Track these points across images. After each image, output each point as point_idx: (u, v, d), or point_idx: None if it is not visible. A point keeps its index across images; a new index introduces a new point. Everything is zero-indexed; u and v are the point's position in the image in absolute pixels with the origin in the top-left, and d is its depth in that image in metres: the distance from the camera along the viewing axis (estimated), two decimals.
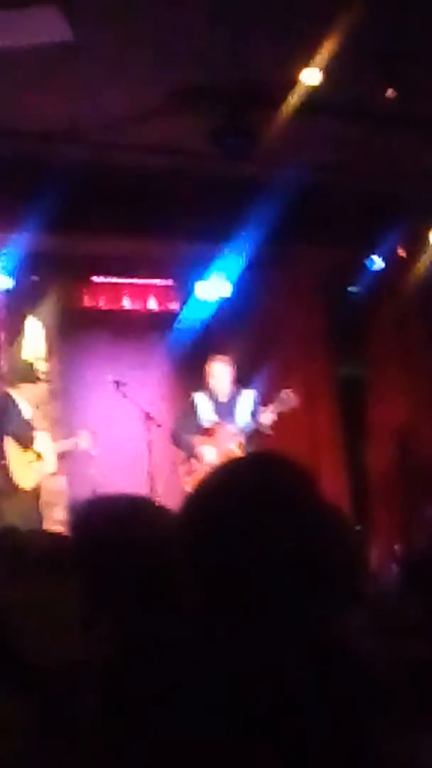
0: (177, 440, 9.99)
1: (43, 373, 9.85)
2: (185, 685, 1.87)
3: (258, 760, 1.80)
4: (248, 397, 10.02)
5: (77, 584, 2.56)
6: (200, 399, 10.01)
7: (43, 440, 9.55)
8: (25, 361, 10.07)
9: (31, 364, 9.95)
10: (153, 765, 1.82)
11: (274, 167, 9.62)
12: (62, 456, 9.72)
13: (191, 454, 9.84)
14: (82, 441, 9.69)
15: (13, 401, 9.54)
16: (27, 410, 9.55)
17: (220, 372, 9.99)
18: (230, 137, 8.94)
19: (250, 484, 2.03)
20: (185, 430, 9.95)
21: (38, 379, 9.73)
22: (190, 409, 10.05)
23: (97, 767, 1.88)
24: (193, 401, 10.04)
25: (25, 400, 9.58)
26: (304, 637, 1.93)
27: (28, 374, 9.75)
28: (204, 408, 9.98)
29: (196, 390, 10.13)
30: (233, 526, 1.96)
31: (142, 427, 9.95)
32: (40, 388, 9.71)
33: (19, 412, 9.50)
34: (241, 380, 10.21)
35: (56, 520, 9.48)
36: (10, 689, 1.92)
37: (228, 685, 1.86)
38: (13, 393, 9.60)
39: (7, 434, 9.35)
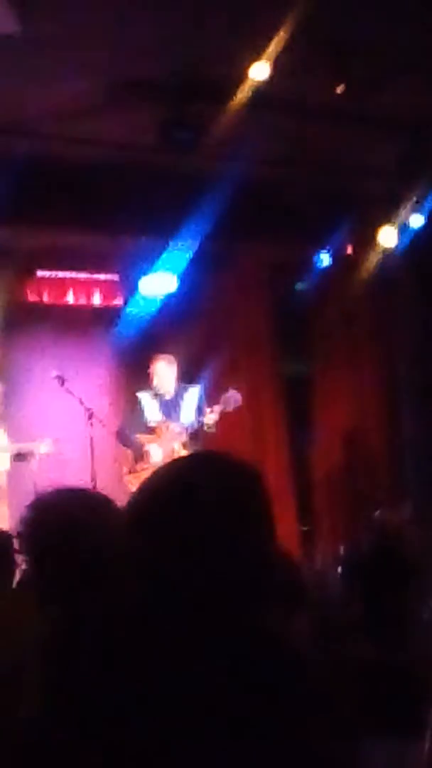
0: (123, 439, 9.93)
1: None
2: (123, 667, 1.90)
3: (195, 751, 1.82)
4: (193, 394, 9.97)
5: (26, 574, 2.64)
6: (145, 398, 9.94)
7: None
8: None
9: None
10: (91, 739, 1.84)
11: (221, 161, 9.57)
12: (17, 458, 9.64)
13: (138, 453, 9.78)
14: (43, 447, 9.61)
15: None
16: None
17: (164, 370, 9.94)
18: (177, 130, 8.89)
19: (188, 485, 2.04)
20: (131, 429, 9.88)
21: None
22: (136, 408, 9.97)
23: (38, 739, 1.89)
24: (138, 400, 9.97)
25: None
26: (240, 635, 1.94)
27: None
28: (149, 407, 9.91)
29: (140, 387, 10.07)
30: (174, 526, 1.98)
31: (84, 423, 9.86)
32: None
33: None
34: (186, 377, 10.15)
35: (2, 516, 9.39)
36: None
37: (164, 675, 1.88)
38: None
39: None
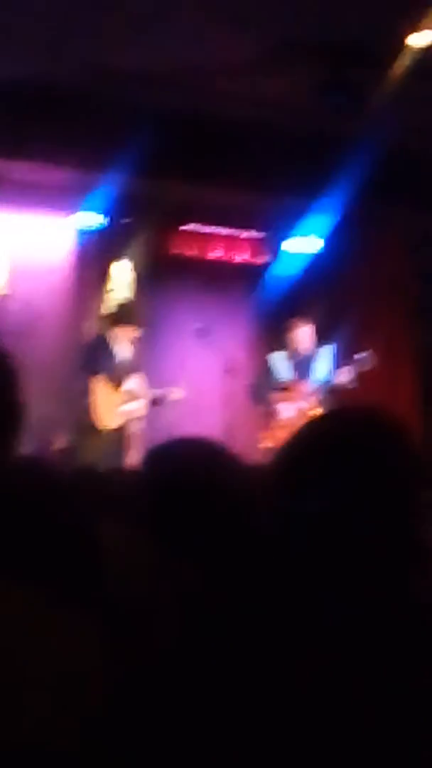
0: (255, 396, 10.02)
1: (133, 315, 9.91)
2: (263, 631, 1.88)
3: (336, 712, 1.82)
4: (327, 353, 10.00)
5: (151, 526, 2.57)
6: (278, 358, 10.01)
7: (136, 383, 9.65)
8: (117, 302, 10.15)
9: (123, 306, 10.04)
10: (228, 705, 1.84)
11: (374, 127, 9.55)
12: (153, 403, 9.80)
13: (268, 410, 9.87)
14: (175, 394, 9.77)
15: (108, 342, 9.64)
16: (122, 352, 9.64)
17: (303, 336, 9.98)
18: (334, 93, 8.89)
19: (346, 439, 2.04)
20: (264, 387, 9.97)
21: (129, 320, 9.78)
22: (268, 367, 10.06)
23: (169, 702, 1.91)
24: (270, 360, 10.05)
25: (121, 342, 9.66)
26: (391, 594, 1.95)
27: (120, 315, 9.83)
28: (281, 366, 9.98)
29: (278, 346, 10.13)
30: (327, 479, 1.97)
31: (221, 378, 9.99)
32: (131, 331, 9.77)
33: (114, 353, 9.59)
34: (322, 336, 10.18)
35: (133, 463, 9.56)
36: (89, 613, 1.97)
37: (310, 636, 1.87)
38: (109, 334, 9.70)
39: (99, 373, 9.46)
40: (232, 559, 2.13)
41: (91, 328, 10.28)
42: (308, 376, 9.90)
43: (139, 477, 2.81)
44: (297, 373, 9.93)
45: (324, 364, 9.94)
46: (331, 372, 9.86)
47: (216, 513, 2.51)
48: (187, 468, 2.64)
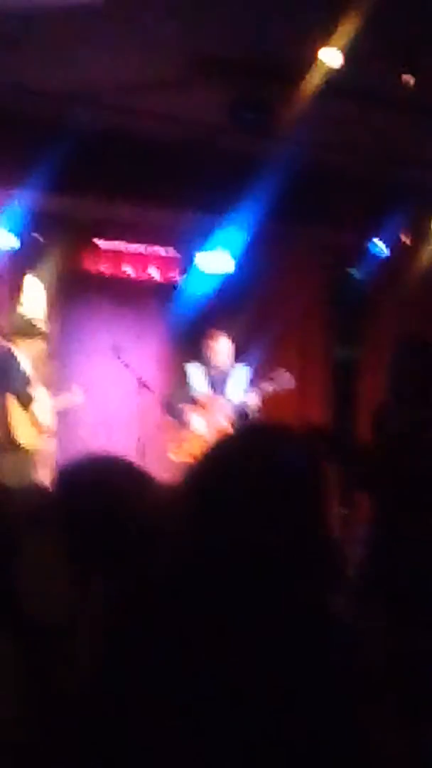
0: (169, 408, 10.04)
1: (42, 331, 9.88)
2: (174, 647, 1.92)
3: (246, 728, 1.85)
4: (242, 373, 10.06)
5: (61, 543, 2.57)
6: (194, 370, 10.06)
7: (41, 397, 9.61)
8: (25, 317, 10.11)
9: (31, 321, 9.99)
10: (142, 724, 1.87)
11: (285, 144, 9.62)
12: (59, 414, 9.78)
13: (181, 422, 9.90)
14: (75, 396, 9.77)
15: (15, 357, 9.59)
16: (27, 367, 9.60)
17: (222, 347, 10.01)
18: (245, 111, 8.92)
19: (253, 461, 2.08)
20: (178, 399, 10.01)
21: (37, 336, 9.76)
22: (184, 379, 10.10)
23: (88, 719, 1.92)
24: (186, 371, 10.09)
25: (26, 357, 9.62)
26: (299, 614, 1.98)
27: (28, 331, 9.79)
28: (197, 379, 10.03)
29: (191, 362, 10.16)
30: (235, 503, 2.02)
31: (134, 393, 10.00)
32: (39, 346, 9.74)
33: (20, 369, 9.55)
34: (236, 355, 10.23)
35: (45, 480, 9.52)
36: (9, 636, 1.97)
37: (218, 656, 1.91)
38: (15, 349, 9.65)
39: (8, 390, 9.41)
40: (143, 578, 2.13)
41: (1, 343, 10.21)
42: (222, 391, 9.94)
43: (50, 496, 2.81)
44: (212, 388, 9.96)
45: (238, 383, 9.99)
46: (243, 391, 9.92)
47: (126, 532, 2.51)
48: (96, 488, 2.63)
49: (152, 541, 2.25)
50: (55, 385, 10.21)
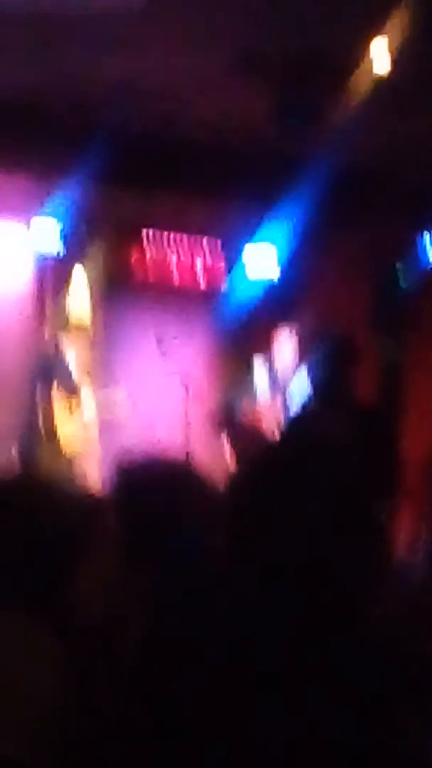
0: (223, 406, 9.86)
1: (87, 324, 9.94)
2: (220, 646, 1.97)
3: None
4: (300, 375, 9.85)
5: (114, 542, 2.59)
6: (256, 368, 9.82)
7: (86, 390, 9.67)
8: (71, 312, 10.17)
9: (79, 315, 10.06)
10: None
11: (329, 145, 9.61)
12: (101, 409, 9.82)
13: (235, 421, 9.69)
14: (119, 395, 9.80)
15: (61, 351, 9.68)
16: (73, 361, 9.67)
17: (285, 343, 9.88)
18: (290, 113, 8.94)
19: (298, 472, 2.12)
20: (234, 397, 9.84)
21: (84, 331, 9.83)
22: (242, 377, 9.94)
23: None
24: (249, 368, 9.86)
25: (72, 351, 9.69)
26: (335, 617, 2.01)
27: (74, 325, 9.85)
28: (258, 377, 9.83)
29: (239, 365, 10.08)
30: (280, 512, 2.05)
31: (179, 387, 9.98)
32: (85, 341, 9.80)
33: (66, 363, 9.62)
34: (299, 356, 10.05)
35: (87, 472, 9.57)
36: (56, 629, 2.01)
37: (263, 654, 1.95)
38: (61, 343, 9.73)
39: (53, 381, 9.48)
40: (194, 578, 2.16)
41: (47, 338, 10.29)
42: (282, 393, 9.68)
43: (103, 493, 2.84)
44: (271, 388, 9.78)
45: (298, 386, 9.74)
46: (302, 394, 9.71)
47: (180, 532, 2.55)
48: (156, 488, 2.68)
49: (207, 540, 2.29)
50: (101, 378, 10.25)
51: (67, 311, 10.25)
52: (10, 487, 2.78)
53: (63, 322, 10.02)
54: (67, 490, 3.41)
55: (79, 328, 9.86)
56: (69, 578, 2.46)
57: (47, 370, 9.62)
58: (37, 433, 9.48)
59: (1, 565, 2.47)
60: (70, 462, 9.39)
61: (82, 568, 2.49)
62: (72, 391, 9.57)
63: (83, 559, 2.56)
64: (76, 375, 9.68)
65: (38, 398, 9.51)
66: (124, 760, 1.95)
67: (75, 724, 1.90)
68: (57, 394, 9.48)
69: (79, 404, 9.58)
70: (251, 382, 9.82)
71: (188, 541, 2.53)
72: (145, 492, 2.71)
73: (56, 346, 9.78)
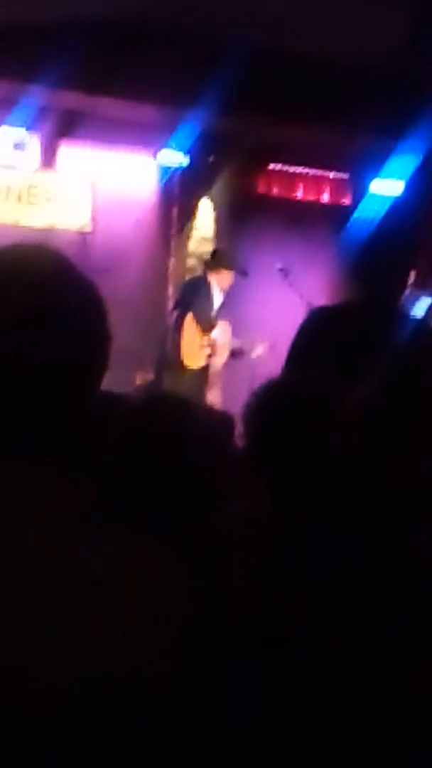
0: None
1: (233, 263, 9.89)
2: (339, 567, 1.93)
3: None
4: (423, 303, 9.80)
5: (250, 465, 2.57)
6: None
7: (222, 330, 9.70)
8: (217, 248, 10.18)
9: (226, 253, 10.04)
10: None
11: None
12: (233, 355, 9.84)
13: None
14: (257, 350, 9.78)
15: (207, 285, 9.73)
16: (217, 297, 9.71)
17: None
18: (426, 37, 8.77)
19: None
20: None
21: (231, 269, 9.80)
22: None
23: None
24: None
25: (217, 287, 9.73)
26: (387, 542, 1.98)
27: (224, 263, 9.84)
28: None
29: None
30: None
31: (302, 316, 9.92)
32: (230, 279, 9.81)
33: (209, 297, 9.67)
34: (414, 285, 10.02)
35: (214, 402, 9.61)
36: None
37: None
38: (209, 278, 9.77)
39: (191, 313, 9.52)
40: (325, 503, 2.14)
41: (175, 265, 10.32)
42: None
43: (241, 422, 2.83)
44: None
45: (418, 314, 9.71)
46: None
47: (318, 460, 2.52)
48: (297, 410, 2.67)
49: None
50: (230, 311, 10.24)
51: (195, 238, 10.27)
52: (155, 399, 2.79)
53: (199, 253, 10.04)
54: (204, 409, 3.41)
55: (224, 264, 9.81)
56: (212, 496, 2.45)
57: (188, 300, 9.66)
58: (168, 361, 9.55)
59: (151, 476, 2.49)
60: (199, 390, 9.44)
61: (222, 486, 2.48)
62: (208, 323, 9.60)
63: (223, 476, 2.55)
64: (215, 310, 9.71)
65: (173, 325, 9.58)
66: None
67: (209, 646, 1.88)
68: (190, 322, 9.51)
69: (212, 336, 9.61)
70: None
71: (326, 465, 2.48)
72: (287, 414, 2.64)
73: (203, 279, 9.80)
